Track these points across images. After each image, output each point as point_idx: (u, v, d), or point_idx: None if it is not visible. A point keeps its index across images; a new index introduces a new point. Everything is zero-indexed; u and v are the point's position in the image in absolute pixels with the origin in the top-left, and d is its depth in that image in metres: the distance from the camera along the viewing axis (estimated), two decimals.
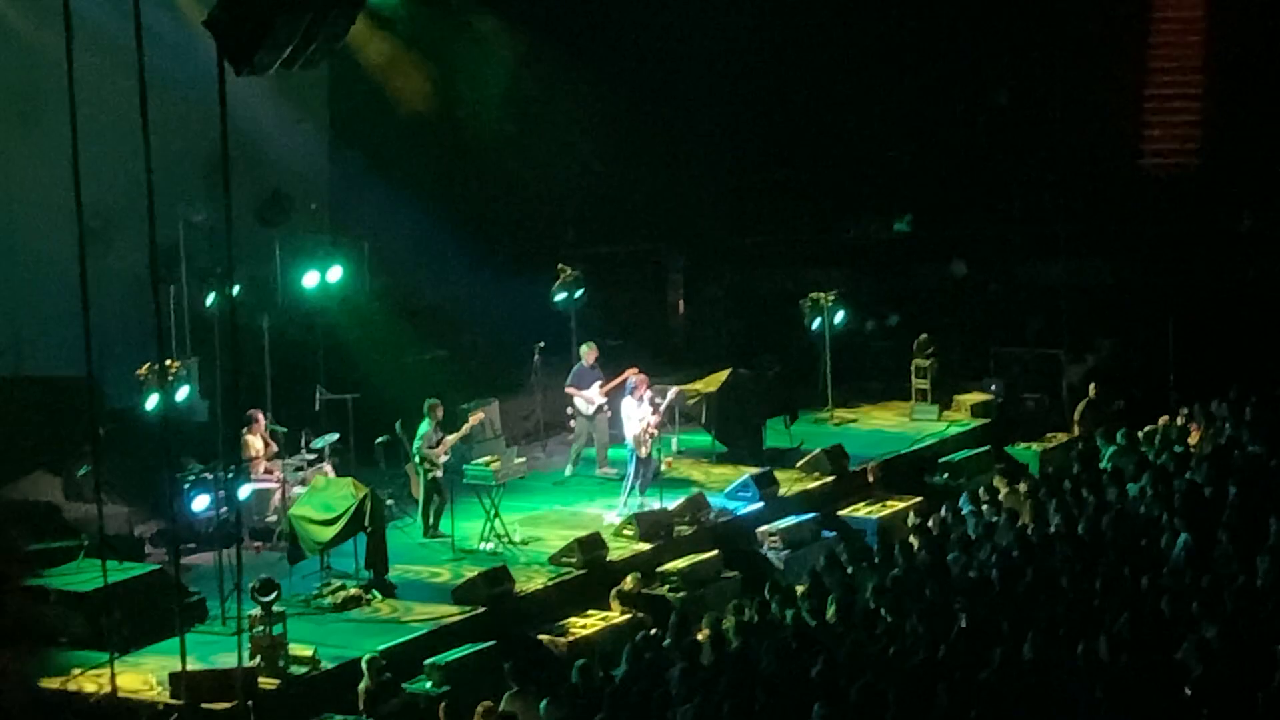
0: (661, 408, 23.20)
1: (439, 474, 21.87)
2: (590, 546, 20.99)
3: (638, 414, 22.85)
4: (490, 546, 21.46)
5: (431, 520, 22.00)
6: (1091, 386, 26.53)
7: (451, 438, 22.00)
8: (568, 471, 24.80)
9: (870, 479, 24.65)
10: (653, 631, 17.79)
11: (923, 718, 14.39)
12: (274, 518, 21.56)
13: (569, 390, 24.79)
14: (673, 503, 22.65)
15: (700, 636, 17.25)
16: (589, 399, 24.55)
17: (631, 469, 23.03)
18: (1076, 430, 26.11)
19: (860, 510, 23.66)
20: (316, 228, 27.22)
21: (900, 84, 31.69)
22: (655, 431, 23.01)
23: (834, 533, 22.81)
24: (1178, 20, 33.11)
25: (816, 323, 27.75)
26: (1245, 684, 14.40)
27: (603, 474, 24.63)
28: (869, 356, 29.85)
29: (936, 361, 27.97)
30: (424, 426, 21.96)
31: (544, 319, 26.89)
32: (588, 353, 24.80)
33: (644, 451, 22.88)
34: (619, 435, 23.91)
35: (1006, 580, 17.98)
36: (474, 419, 22.56)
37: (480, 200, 29.38)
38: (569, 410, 24.96)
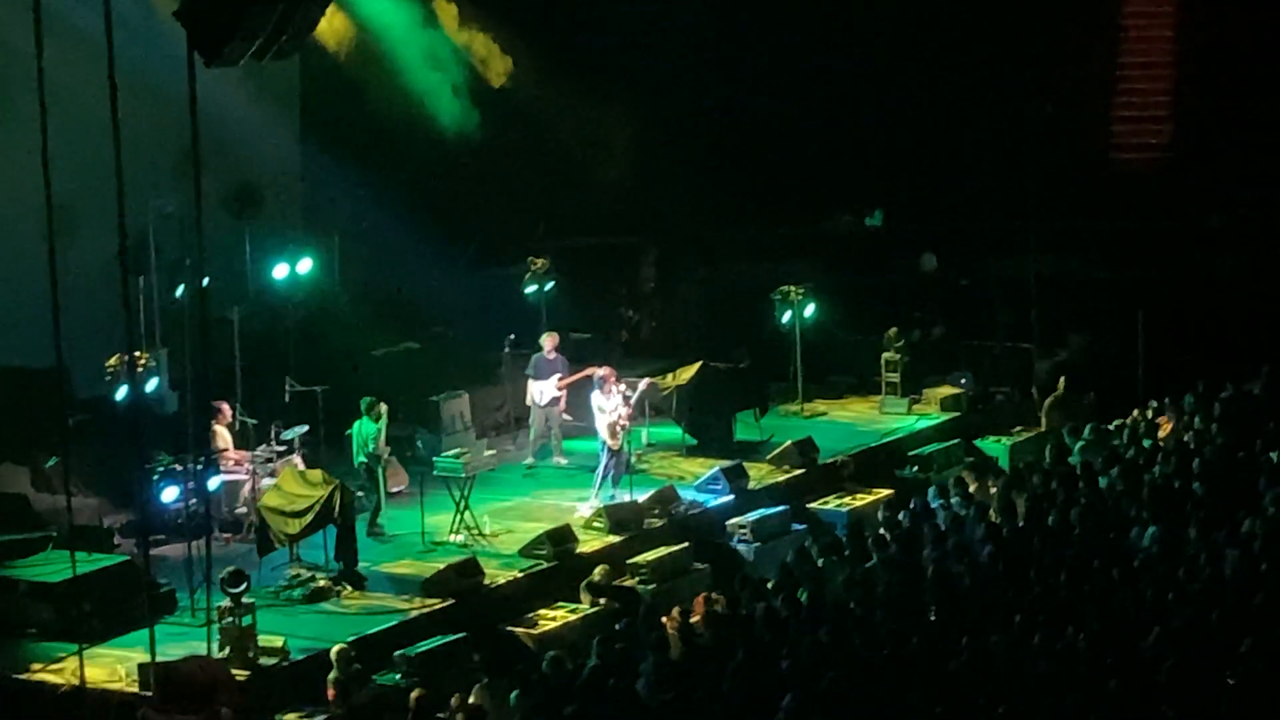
0: (633, 400, 23.19)
1: (378, 469, 21.79)
2: (560, 539, 20.98)
3: (607, 407, 22.83)
4: (460, 539, 21.45)
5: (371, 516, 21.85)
6: (1061, 381, 26.58)
7: (380, 431, 21.86)
8: (529, 462, 24.79)
9: (840, 472, 24.66)
10: (624, 623, 17.79)
11: (892, 709, 14.44)
12: (244, 509, 21.53)
13: (527, 376, 24.77)
14: (643, 495, 22.65)
15: (670, 629, 17.26)
16: (542, 390, 24.57)
17: (603, 462, 23.00)
18: (1046, 424, 26.16)
19: (830, 503, 23.67)
20: (286, 219, 27.17)
21: (872, 78, 31.71)
22: (627, 424, 23.01)
23: (804, 525, 22.84)
24: (1148, 15, 33.22)
25: (787, 316, 27.80)
26: (1212, 674, 14.47)
27: (555, 463, 24.65)
28: (839, 350, 29.84)
29: (906, 355, 28.01)
30: (372, 427, 21.79)
31: (514, 311, 26.88)
32: (547, 342, 24.77)
33: (615, 444, 22.87)
34: (586, 427, 23.90)
35: (975, 573, 18.03)
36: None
37: (451, 192, 29.32)
38: (527, 401, 24.94)
